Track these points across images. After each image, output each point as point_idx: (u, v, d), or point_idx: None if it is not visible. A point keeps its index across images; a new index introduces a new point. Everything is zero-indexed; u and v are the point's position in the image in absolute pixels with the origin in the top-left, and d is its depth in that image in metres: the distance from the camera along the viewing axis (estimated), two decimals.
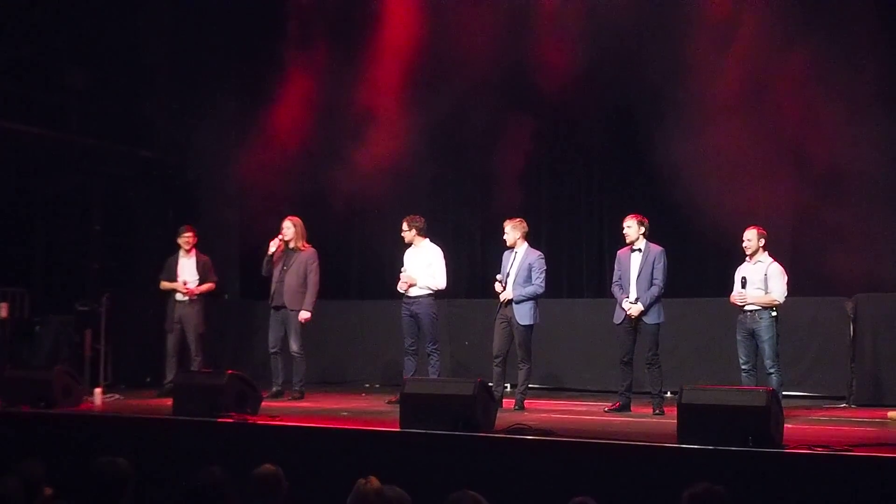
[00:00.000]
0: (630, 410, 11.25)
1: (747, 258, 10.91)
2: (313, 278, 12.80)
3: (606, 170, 15.09)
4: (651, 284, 11.24)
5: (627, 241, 11.45)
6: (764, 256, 10.86)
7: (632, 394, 11.40)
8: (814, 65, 12.09)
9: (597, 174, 15.25)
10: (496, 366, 11.73)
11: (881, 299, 12.52)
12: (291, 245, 12.82)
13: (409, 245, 12.49)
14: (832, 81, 12.08)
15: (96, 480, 6.09)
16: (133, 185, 16.27)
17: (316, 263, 12.85)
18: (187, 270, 13.42)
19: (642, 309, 11.20)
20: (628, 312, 11.25)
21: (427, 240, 12.48)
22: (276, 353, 12.88)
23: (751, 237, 10.86)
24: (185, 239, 13.44)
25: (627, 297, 11.30)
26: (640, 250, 11.37)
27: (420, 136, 13.95)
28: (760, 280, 10.71)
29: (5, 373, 12.06)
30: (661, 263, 11.30)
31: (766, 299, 10.65)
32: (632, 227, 11.42)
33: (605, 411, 11.28)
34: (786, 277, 10.74)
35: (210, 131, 15.36)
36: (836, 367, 12.65)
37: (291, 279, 12.76)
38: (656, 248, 11.36)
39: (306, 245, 12.91)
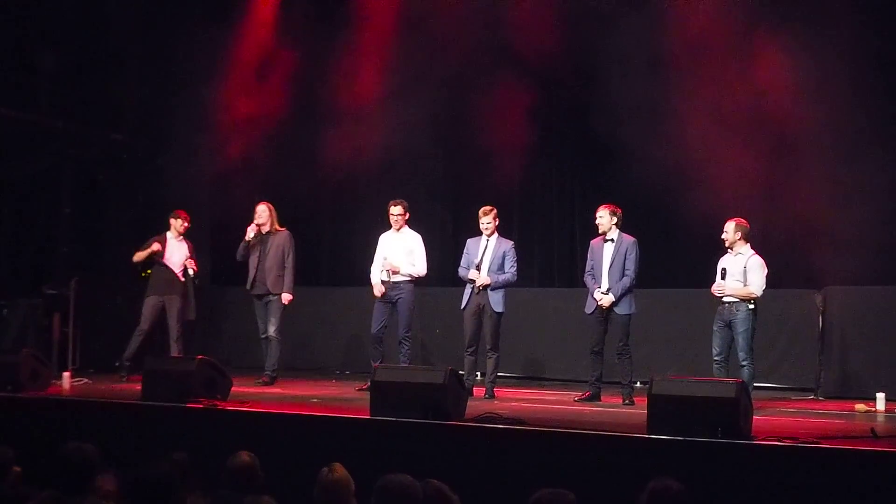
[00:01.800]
0: (600, 400, 11.28)
1: (729, 249, 10.90)
2: (291, 260, 12.81)
3: (578, 158, 15.10)
4: (623, 275, 11.25)
5: (600, 230, 11.46)
6: (745, 248, 10.81)
7: (602, 383, 11.43)
8: (790, 55, 12.10)
9: (568, 162, 15.26)
10: (469, 354, 11.76)
11: (850, 292, 12.57)
12: (266, 229, 12.79)
13: (383, 231, 12.46)
14: (808, 70, 12.07)
15: (64, 466, 6.06)
16: (103, 169, 16.16)
17: (292, 244, 12.88)
18: (177, 255, 13.35)
19: (613, 300, 11.21)
20: (599, 303, 11.26)
21: (407, 226, 12.47)
22: (266, 338, 12.88)
23: (728, 229, 10.82)
24: (180, 223, 13.39)
25: (599, 288, 11.31)
26: (612, 240, 11.38)
27: (392, 124, 13.92)
28: (740, 272, 10.69)
29: None
30: (634, 254, 11.30)
31: (743, 292, 10.64)
32: (604, 218, 11.43)
33: (575, 401, 11.30)
34: (765, 271, 10.71)
35: (181, 115, 15.28)
36: (805, 360, 12.71)
37: (271, 263, 12.76)
38: (629, 239, 11.37)
39: (280, 227, 12.88)
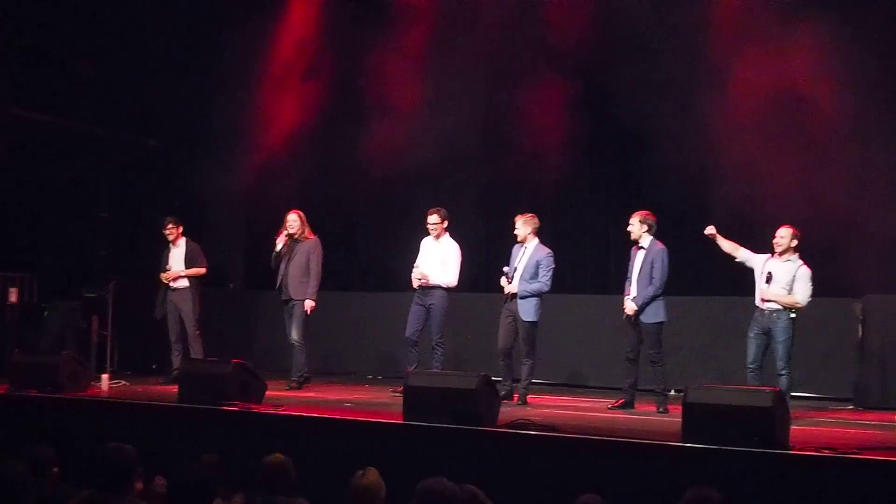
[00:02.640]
0: (634, 408, 11.25)
1: (777, 255, 10.80)
2: (315, 267, 12.83)
3: (613, 164, 15.04)
4: (649, 283, 11.22)
5: (631, 238, 11.43)
6: (794, 257, 10.68)
7: (636, 391, 11.39)
8: (837, 63, 11.98)
9: (603, 169, 15.21)
10: (502, 360, 11.77)
11: (890, 301, 12.47)
12: (297, 237, 12.84)
13: (424, 236, 12.50)
14: (851, 65, 11.94)
15: (104, 466, 6.11)
16: (140, 174, 16.28)
17: (319, 251, 12.90)
18: (176, 260, 13.56)
19: (636, 308, 11.18)
20: (625, 310, 11.25)
21: (447, 234, 12.49)
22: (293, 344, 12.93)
23: (784, 234, 10.68)
24: (168, 231, 13.59)
25: (629, 295, 11.30)
26: (644, 248, 11.36)
27: (427, 129, 13.91)
28: (787, 280, 10.57)
29: (13, 357, 12.18)
30: (661, 262, 11.23)
31: (788, 300, 10.52)
32: (634, 225, 11.39)
33: (609, 408, 11.26)
34: (812, 284, 10.64)
35: (217, 120, 15.35)
36: (844, 369, 12.61)
37: (294, 269, 12.81)
38: (658, 247, 11.32)
39: (311, 234, 12.93)
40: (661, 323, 11.23)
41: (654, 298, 11.18)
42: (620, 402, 11.34)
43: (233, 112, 15.07)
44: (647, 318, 11.20)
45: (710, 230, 10.92)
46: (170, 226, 13.53)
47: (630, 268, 11.44)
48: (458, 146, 14.19)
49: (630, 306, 11.20)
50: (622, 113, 13.60)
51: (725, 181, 12.18)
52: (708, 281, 13.77)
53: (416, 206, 12.69)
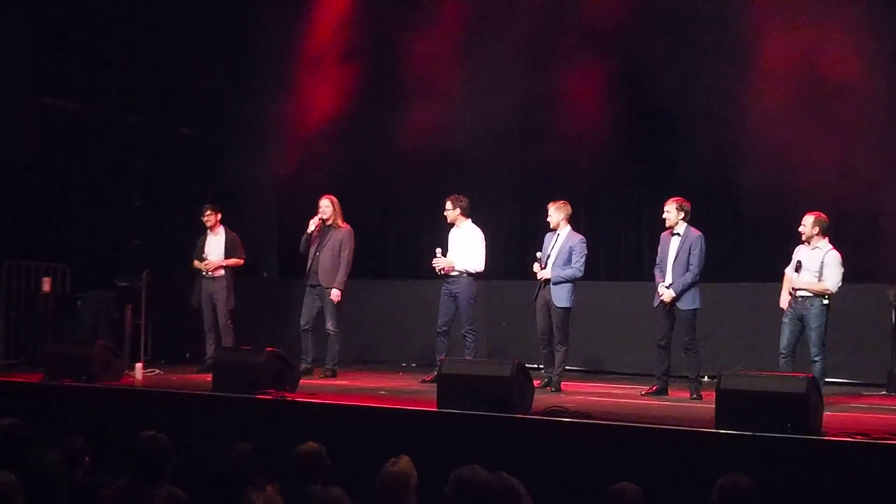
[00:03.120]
0: (667, 394, 11.23)
1: (806, 243, 10.77)
2: (346, 256, 12.81)
3: (647, 151, 14.99)
4: (687, 270, 11.19)
5: (667, 224, 11.40)
6: (823, 243, 10.63)
7: (669, 378, 11.38)
8: (874, 41, 11.88)
9: (637, 156, 15.16)
10: (543, 348, 11.77)
11: None
12: (329, 223, 12.85)
13: (452, 225, 12.51)
14: (890, 59, 11.90)
15: (138, 455, 6.15)
16: (173, 163, 16.34)
17: (351, 241, 12.88)
18: (213, 248, 13.55)
19: (674, 295, 11.16)
20: (661, 297, 11.22)
21: (469, 220, 12.49)
22: (307, 330, 12.90)
23: (806, 223, 10.65)
24: (207, 218, 13.54)
25: (664, 282, 11.27)
26: (679, 234, 11.32)
27: (461, 116, 13.90)
28: (816, 267, 10.54)
29: (47, 347, 12.28)
30: (698, 249, 11.21)
31: (818, 287, 10.50)
32: (671, 212, 11.36)
33: (642, 395, 11.25)
34: (842, 268, 10.58)
35: (250, 109, 15.40)
36: (877, 355, 12.53)
37: (326, 257, 12.80)
38: (694, 234, 11.29)
39: (343, 223, 12.94)
40: (696, 310, 11.22)
41: (691, 285, 11.16)
42: (653, 388, 11.33)
43: (267, 99, 15.11)
44: (683, 304, 11.18)
45: None
46: (208, 212, 13.53)
47: (662, 255, 11.41)
48: (492, 132, 14.17)
49: (668, 293, 11.18)
50: (657, 97, 13.56)
51: (758, 165, 12.12)
52: (740, 267, 13.74)
53: (450, 193, 12.65)
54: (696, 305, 11.22)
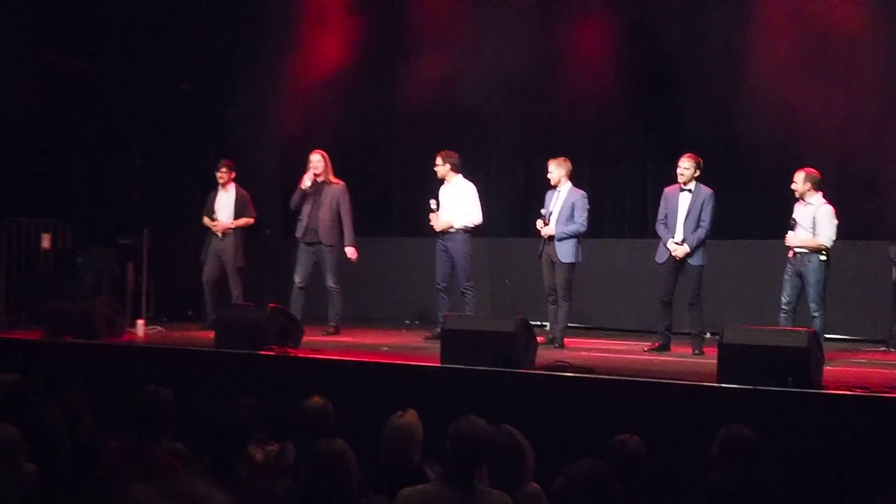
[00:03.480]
0: (669, 350, 11.24)
1: (800, 199, 10.79)
2: (349, 212, 12.76)
3: (651, 108, 14.93)
4: (698, 226, 11.17)
5: (682, 180, 11.31)
6: (815, 198, 10.70)
7: (671, 334, 11.39)
8: (871, 4, 11.85)
9: (641, 112, 15.10)
10: (550, 303, 11.77)
11: None
12: (321, 179, 12.77)
13: (443, 182, 12.48)
14: (888, 20, 11.86)
15: (140, 409, 6.17)
16: (174, 120, 16.28)
17: (347, 197, 12.82)
18: (224, 206, 13.47)
19: (688, 251, 11.14)
20: (674, 253, 11.19)
21: (460, 176, 12.46)
22: (303, 288, 12.87)
23: (797, 179, 10.74)
24: (221, 174, 13.46)
25: (673, 238, 11.24)
26: (690, 191, 11.28)
27: (463, 72, 13.84)
28: (809, 222, 10.60)
29: (48, 304, 12.24)
30: (710, 206, 11.20)
31: (813, 243, 10.56)
32: (689, 168, 11.26)
33: (645, 351, 11.28)
34: (836, 221, 10.61)
35: (252, 66, 15.34)
36: (878, 312, 12.55)
37: (325, 214, 12.74)
38: (707, 191, 11.26)
39: (336, 179, 12.88)
40: (703, 266, 11.24)
41: (702, 242, 11.16)
42: (656, 345, 11.34)
43: (269, 55, 15.05)
44: (694, 260, 11.19)
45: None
46: (224, 169, 13.44)
47: (670, 210, 11.35)
48: (497, 88, 14.11)
49: (682, 249, 11.15)
50: (661, 53, 13.52)
51: (761, 121, 12.07)
52: (743, 224, 13.71)
53: (454, 150, 12.60)
54: (705, 262, 11.24)
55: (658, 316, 11.48)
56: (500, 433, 5.71)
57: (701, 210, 11.18)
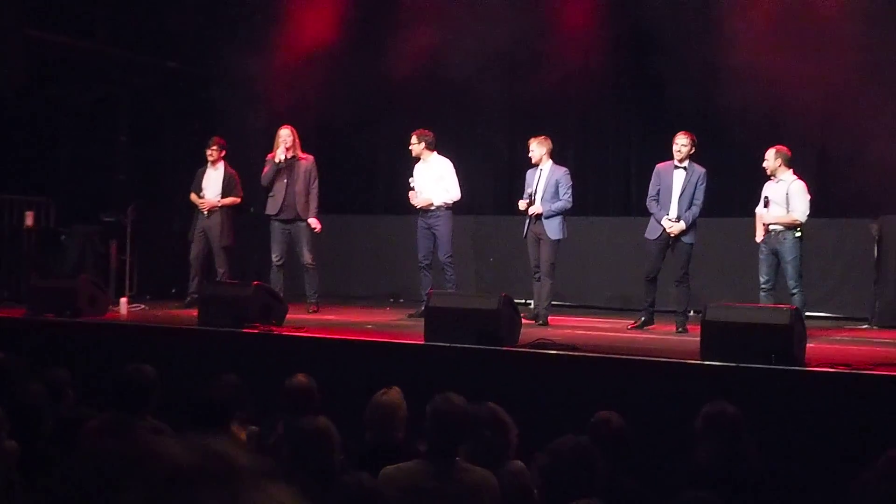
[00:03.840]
0: (653, 324, 11.27)
1: (772, 177, 10.83)
2: (316, 186, 12.73)
3: (634, 86, 14.94)
4: (692, 204, 11.19)
5: (678, 157, 11.29)
6: (787, 175, 10.74)
7: (654, 310, 11.41)
8: None
9: (626, 91, 15.10)
10: (536, 280, 11.78)
11: None
12: (290, 155, 12.72)
13: (418, 159, 12.48)
14: (864, 6, 11.89)
15: (123, 387, 6.16)
16: (159, 97, 16.23)
17: (316, 171, 12.82)
18: (211, 184, 13.37)
19: (684, 228, 11.15)
20: (669, 230, 11.18)
21: (435, 153, 12.45)
22: (282, 265, 12.83)
23: (768, 156, 10.79)
24: (211, 151, 13.37)
25: (667, 215, 11.25)
26: (685, 168, 11.28)
27: (448, 50, 13.82)
28: (782, 199, 10.65)
29: (31, 281, 12.20)
30: (704, 184, 11.21)
31: (787, 219, 10.61)
32: (686, 146, 11.24)
33: (629, 329, 11.29)
34: (808, 196, 10.66)
35: (236, 43, 15.27)
36: (860, 289, 12.62)
37: (301, 189, 12.68)
38: (700, 169, 11.26)
39: (305, 153, 12.87)
40: (693, 244, 11.27)
41: (695, 220, 11.20)
42: (640, 322, 11.36)
43: (255, 33, 14.99)
44: (686, 238, 11.21)
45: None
46: (214, 147, 13.34)
47: (663, 187, 11.33)
48: (482, 65, 14.09)
49: (677, 226, 11.14)
50: (646, 33, 13.53)
51: (745, 99, 12.11)
52: (725, 202, 13.72)
53: (436, 128, 12.60)
54: (695, 240, 11.28)
55: (644, 293, 11.48)
56: (482, 410, 5.72)
57: (695, 188, 11.20)
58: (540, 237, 11.68)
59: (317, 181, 12.77)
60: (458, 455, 5.37)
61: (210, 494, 1.02)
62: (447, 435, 5.34)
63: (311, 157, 12.84)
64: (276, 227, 12.86)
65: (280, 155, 12.62)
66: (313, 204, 12.73)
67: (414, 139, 12.37)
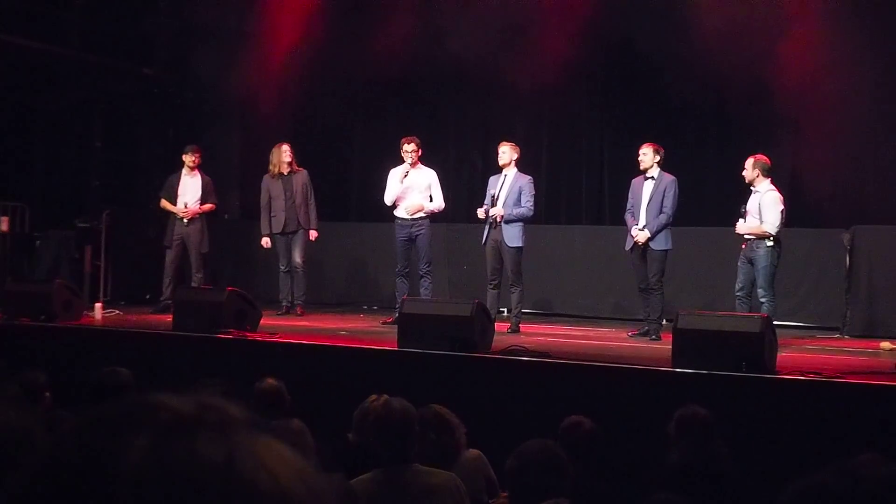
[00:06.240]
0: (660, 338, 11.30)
1: (751, 187, 10.90)
2: (314, 198, 13.00)
3: (608, 95, 15.02)
4: (660, 212, 11.27)
5: (641, 167, 11.42)
6: (763, 185, 10.80)
7: (639, 321, 11.51)
8: None
9: (598, 100, 15.18)
10: (491, 288, 11.79)
11: (878, 231, 12.50)
12: (287, 171, 12.91)
13: (402, 164, 12.48)
14: (834, 10, 11.99)
15: (98, 390, 6.18)
16: (134, 103, 16.23)
17: (310, 183, 13.08)
18: (190, 190, 13.36)
19: (649, 235, 11.23)
20: (635, 238, 11.28)
21: (420, 162, 12.52)
22: (288, 272, 13.10)
23: (747, 166, 10.85)
24: (192, 159, 13.37)
25: (637, 225, 11.34)
26: (653, 178, 11.38)
27: (421, 58, 13.88)
28: (756, 209, 10.73)
29: (6, 286, 12.17)
30: (672, 192, 11.30)
31: (758, 231, 10.67)
32: (647, 155, 11.38)
33: (629, 336, 11.40)
34: (781, 207, 10.72)
35: (211, 49, 15.28)
36: (832, 299, 12.69)
37: (300, 200, 12.96)
38: (668, 178, 11.37)
39: (299, 167, 13.06)
40: (668, 251, 11.33)
41: (664, 227, 11.27)
42: (643, 329, 11.43)
43: (230, 40, 15.00)
44: (656, 245, 11.26)
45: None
46: (196, 154, 13.35)
47: (635, 199, 11.44)
48: (455, 73, 14.16)
49: (643, 234, 11.22)
50: (619, 43, 13.59)
51: (717, 108, 12.21)
52: (698, 211, 13.81)
53: (410, 136, 12.65)
54: (669, 247, 11.33)
55: (639, 303, 11.60)
56: (426, 412, 5.68)
57: (663, 196, 11.29)
58: (500, 245, 11.70)
59: (313, 193, 12.97)
60: (411, 459, 5.32)
61: (209, 442, 1.07)
62: (395, 441, 5.29)
63: (304, 170, 13.04)
64: (279, 240, 13.11)
65: (286, 171, 12.92)
66: (313, 215, 13.03)
67: (413, 146, 12.36)
